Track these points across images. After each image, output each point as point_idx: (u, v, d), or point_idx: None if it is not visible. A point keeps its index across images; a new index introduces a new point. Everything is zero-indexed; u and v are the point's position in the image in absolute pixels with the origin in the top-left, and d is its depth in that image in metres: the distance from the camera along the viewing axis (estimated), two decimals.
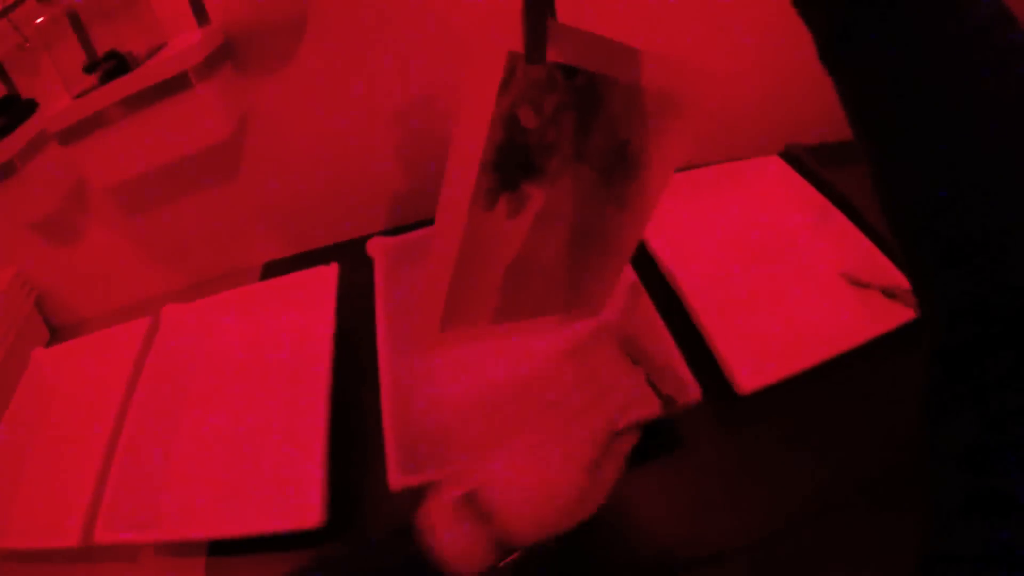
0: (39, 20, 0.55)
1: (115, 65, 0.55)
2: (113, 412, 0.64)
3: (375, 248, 0.68)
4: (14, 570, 0.61)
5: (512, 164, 0.36)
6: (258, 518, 0.53)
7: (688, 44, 0.62)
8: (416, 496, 0.36)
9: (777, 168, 0.76)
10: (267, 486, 0.57)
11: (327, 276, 0.69)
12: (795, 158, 0.78)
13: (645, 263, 0.65)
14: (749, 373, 0.54)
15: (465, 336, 0.45)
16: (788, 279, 0.67)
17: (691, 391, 0.51)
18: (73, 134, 0.60)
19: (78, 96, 0.57)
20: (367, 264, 0.68)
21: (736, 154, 0.78)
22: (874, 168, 0.28)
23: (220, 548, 0.56)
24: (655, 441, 0.44)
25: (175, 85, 0.58)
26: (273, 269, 0.82)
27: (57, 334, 0.87)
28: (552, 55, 0.31)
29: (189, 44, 0.58)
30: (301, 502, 0.51)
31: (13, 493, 0.66)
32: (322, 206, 0.81)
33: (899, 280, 0.60)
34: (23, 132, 0.62)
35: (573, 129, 0.37)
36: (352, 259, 0.70)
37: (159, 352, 0.67)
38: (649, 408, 0.45)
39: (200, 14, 0.60)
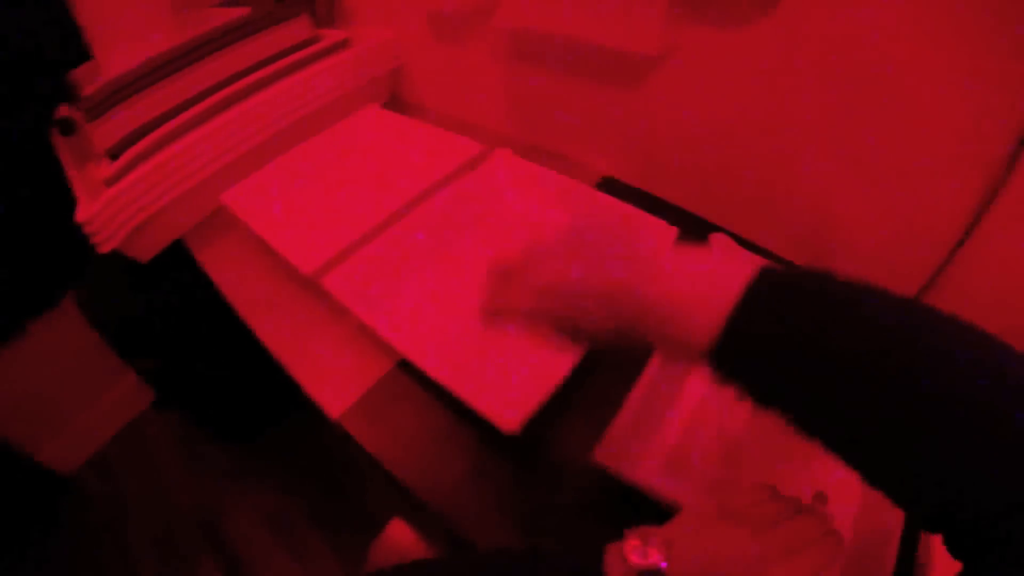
0: None
1: None
2: (402, 201, 0.66)
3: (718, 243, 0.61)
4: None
5: None
6: (464, 380, 0.49)
7: None
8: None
9: None
10: (497, 355, 0.54)
11: (664, 235, 0.60)
12: None
13: None
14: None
15: None
16: None
17: None
18: None
19: None
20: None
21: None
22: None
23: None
24: None
25: None
26: (608, 186, 0.75)
27: (393, 102, 0.94)
28: None
29: None
30: (513, 398, 0.47)
31: (286, 194, 0.75)
32: (679, 161, 0.70)
33: None
34: None
35: None
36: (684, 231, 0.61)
37: (473, 184, 0.68)
38: None
39: None
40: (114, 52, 0.79)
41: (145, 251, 0.76)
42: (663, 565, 0.30)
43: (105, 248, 0.69)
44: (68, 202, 0.70)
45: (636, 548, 0.30)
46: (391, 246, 0.63)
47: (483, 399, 0.48)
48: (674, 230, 0.60)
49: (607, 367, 0.54)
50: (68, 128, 0.84)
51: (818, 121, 0.56)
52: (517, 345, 0.44)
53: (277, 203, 0.75)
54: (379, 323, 0.55)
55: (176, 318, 0.96)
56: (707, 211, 0.70)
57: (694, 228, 0.61)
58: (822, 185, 0.60)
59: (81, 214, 0.66)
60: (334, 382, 0.58)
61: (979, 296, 0.57)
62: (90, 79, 0.84)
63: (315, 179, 0.79)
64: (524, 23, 0.69)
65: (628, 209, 0.64)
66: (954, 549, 0.26)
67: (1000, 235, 0.51)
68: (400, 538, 0.69)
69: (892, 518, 0.42)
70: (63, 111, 0.87)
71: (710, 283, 0.29)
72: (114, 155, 0.72)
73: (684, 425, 0.51)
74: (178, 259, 0.78)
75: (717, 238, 0.62)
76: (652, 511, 0.42)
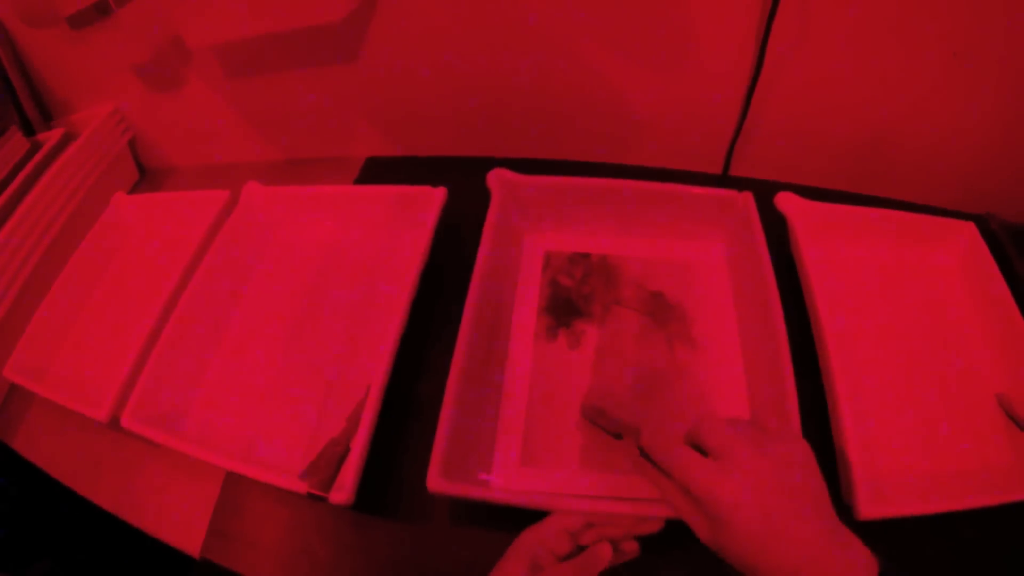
0: None
1: None
2: (170, 287, 0.59)
3: (496, 182, 0.57)
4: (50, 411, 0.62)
5: (561, 308, 0.55)
6: (280, 472, 0.45)
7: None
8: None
9: (969, 238, 0.57)
10: (301, 432, 0.50)
11: (431, 199, 0.57)
12: (992, 233, 0.60)
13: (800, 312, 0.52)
14: (871, 497, 0.40)
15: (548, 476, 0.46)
16: (940, 386, 0.51)
17: None
18: None
19: None
20: (476, 192, 0.56)
21: (931, 200, 0.63)
22: None
23: None
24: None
25: None
26: (375, 167, 0.72)
27: (146, 175, 0.85)
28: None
29: None
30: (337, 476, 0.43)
31: (61, 339, 0.66)
32: (440, 112, 0.69)
33: None
34: None
35: (603, 285, 0.56)
36: (460, 179, 0.59)
37: (230, 234, 0.61)
38: None
39: None
40: None
41: None
42: None
43: None
44: None
45: None
46: (173, 346, 0.56)
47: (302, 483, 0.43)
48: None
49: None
50: None
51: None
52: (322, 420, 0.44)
53: (58, 351, 0.66)
54: (186, 445, 0.49)
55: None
56: (493, 148, 0.66)
57: (479, 167, 0.57)
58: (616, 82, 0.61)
59: None
60: (180, 517, 0.53)
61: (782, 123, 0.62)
62: None
63: (84, 307, 0.70)
64: (216, 38, 0.62)
65: (396, 190, 0.59)
66: None
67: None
68: None
69: None
70: None
71: None
72: None
73: (520, 409, 0.48)
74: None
75: None
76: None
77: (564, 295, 0.56)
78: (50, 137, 0.76)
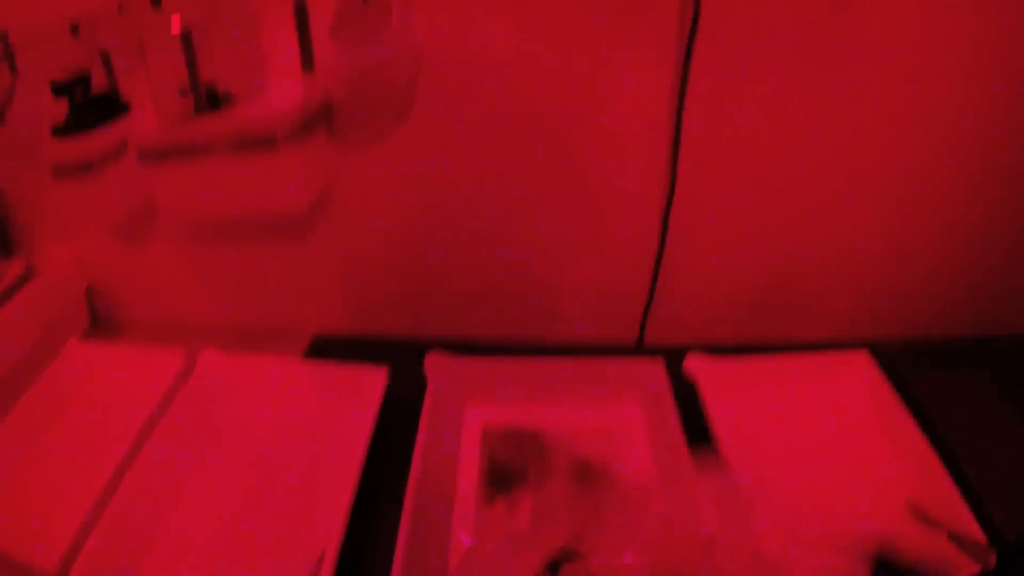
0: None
1: (209, 99, 0.54)
2: (124, 446, 0.61)
3: (433, 367, 0.63)
4: None
5: (499, 479, 0.59)
6: None
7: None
8: None
9: (864, 366, 0.66)
10: None
11: (375, 380, 0.62)
12: (886, 358, 0.67)
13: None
14: None
15: None
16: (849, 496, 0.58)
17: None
18: (153, 156, 0.58)
19: (166, 118, 0.56)
20: (415, 371, 0.62)
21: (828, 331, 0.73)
22: None
23: None
24: None
25: (263, 142, 0.55)
26: (322, 345, 0.76)
27: (99, 324, 0.87)
28: None
29: (287, 103, 0.55)
30: None
31: (7, 486, 0.64)
32: (388, 293, 0.77)
33: (970, 526, 0.50)
34: (108, 134, 0.60)
35: (535, 456, 0.60)
36: (407, 360, 0.64)
37: (186, 399, 0.64)
38: None
39: (307, 59, 0.57)
40: None
41: None
42: None
43: None
44: None
45: None
46: (129, 506, 0.57)
47: None
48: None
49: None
50: None
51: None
52: None
53: (2, 502, 0.64)
54: None
55: None
56: (425, 329, 0.74)
57: (413, 353, 0.62)
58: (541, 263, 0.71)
59: None
60: None
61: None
62: None
63: (31, 453, 0.69)
64: (190, 215, 0.67)
65: (342, 367, 0.65)
66: None
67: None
68: None
69: None
70: None
71: None
72: None
73: None
74: None
75: None
76: None
77: (500, 467, 0.61)
78: (11, 269, 0.78)
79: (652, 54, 0.56)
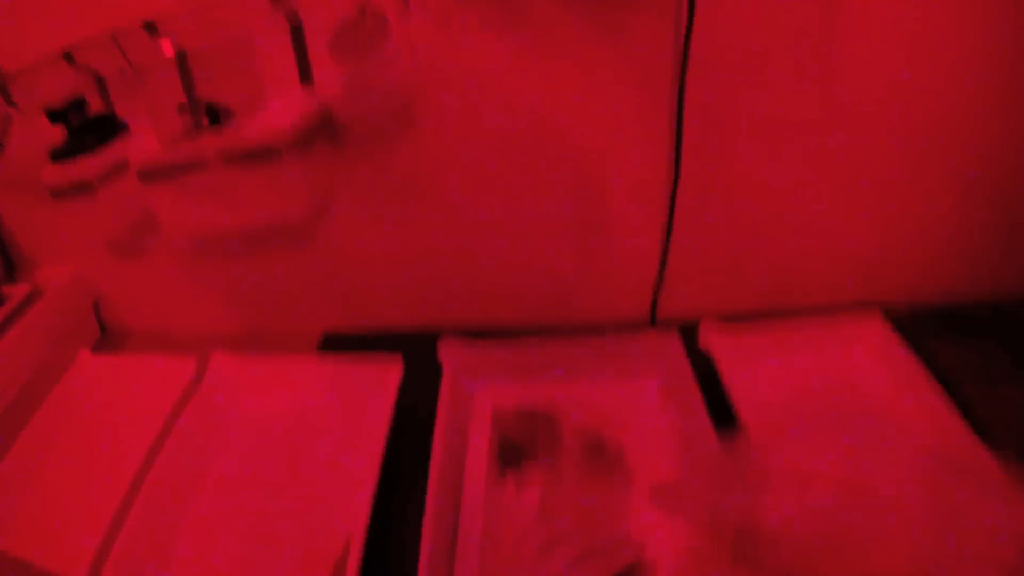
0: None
1: (209, 115, 0.54)
2: (142, 452, 0.61)
3: (447, 352, 0.63)
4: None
5: (509, 456, 0.58)
6: None
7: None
8: None
9: (877, 328, 0.66)
10: None
11: (390, 370, 0.62)
12: (897, 323, 0.66)
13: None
14: None
15: None
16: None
17: None
18: (154, 176, 0.58)
19: (165, 137, 0.56)
20: (429, 362, 0.62)
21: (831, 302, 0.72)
22: None
23: None
24: None
25: (263, 155, 0.56)
26: (334, 341, 0.77)
27: (107, 335, 0.87)
28: None
29: (287, 116, 0.55)
30: None
31: (28, 496, 0.65)
32: (395, 289, 0.77)
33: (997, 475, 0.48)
34: (107, 155, 0.60)
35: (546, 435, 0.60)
36: (418, 351, 0.64)
37: (202, 401, 0.64)
38: None
39: (305, 73, 0.57)
40: None
41: None
42: None
43: None
44: None
45: None
46: (152, 510, 0.57)
47: None
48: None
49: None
50: None
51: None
52: None
53: (24, 513, 0.64)
54: None
55: None
56: (443, 320, 0.75)
57: (429, 338, 0.63)
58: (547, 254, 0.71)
59: None
60: None
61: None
62: None
63: (48, 466, 0.69)
64: (191, 231, 0.67)
65: (355, 361, 0.65)
66: None
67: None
68: None
69: None
70: None
71: None
72: None
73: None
74: None
75: None
76: None
77: (509, 442, 0.60)
78: (16, 292, 0.78)
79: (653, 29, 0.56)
